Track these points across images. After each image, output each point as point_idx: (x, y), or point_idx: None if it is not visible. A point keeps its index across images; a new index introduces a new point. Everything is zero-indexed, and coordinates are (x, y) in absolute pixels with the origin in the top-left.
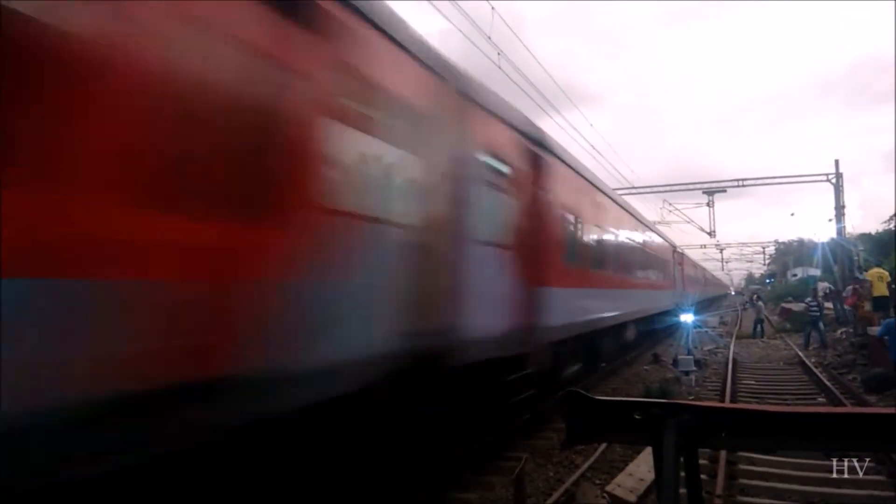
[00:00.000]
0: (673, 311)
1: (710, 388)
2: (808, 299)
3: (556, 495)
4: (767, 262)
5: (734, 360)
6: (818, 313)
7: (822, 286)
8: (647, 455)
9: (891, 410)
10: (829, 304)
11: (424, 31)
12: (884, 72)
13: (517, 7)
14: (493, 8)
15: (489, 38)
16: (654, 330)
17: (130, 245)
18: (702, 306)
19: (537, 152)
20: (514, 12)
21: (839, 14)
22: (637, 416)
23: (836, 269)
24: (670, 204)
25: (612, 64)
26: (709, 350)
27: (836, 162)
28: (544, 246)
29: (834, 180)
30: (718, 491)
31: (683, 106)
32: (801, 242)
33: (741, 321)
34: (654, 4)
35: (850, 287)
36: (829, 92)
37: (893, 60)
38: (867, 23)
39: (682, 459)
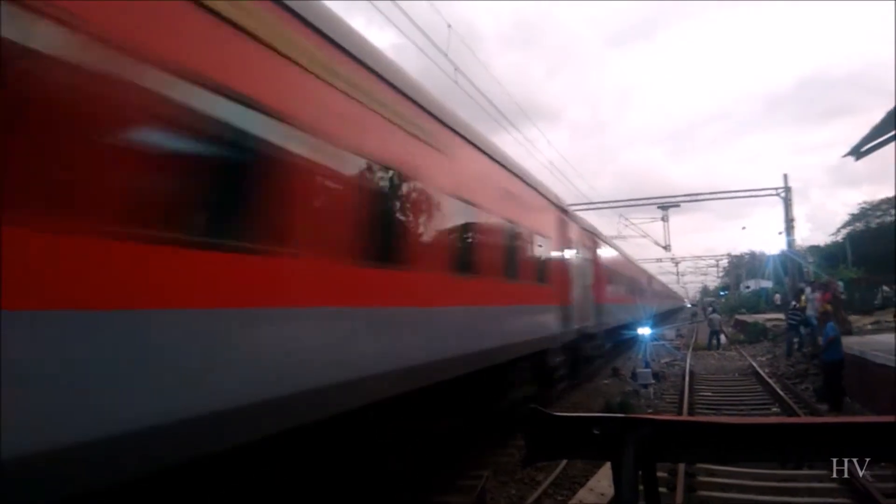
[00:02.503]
0: (567, 347)
1: (668, 400)
2: (794, 303)
3: None
4: (721, 274)
5: (691, 373)
6: (795, 321)
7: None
8: (607, 470)
9: (842, 419)
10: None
11: (380, 44)
12: (830, 89)
13: (473, 23)
14: (449, 26)
15: (446, 54)
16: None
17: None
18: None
19: None
20: (471, 29)
21: (785, 33)
22: (596, 432)
23: (786, 280)
24: (626, 219)
25: (565, 81)
26: (666, 363)
27: (785, 176)
28: None
29: (783, 194)
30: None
31: (636, 122)
32: (752, 255)
33: (697, 333)
34: (603, 24)
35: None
36: (778, 108)
37: (839, 78)
38: (812, 41)
39: (640, 473)
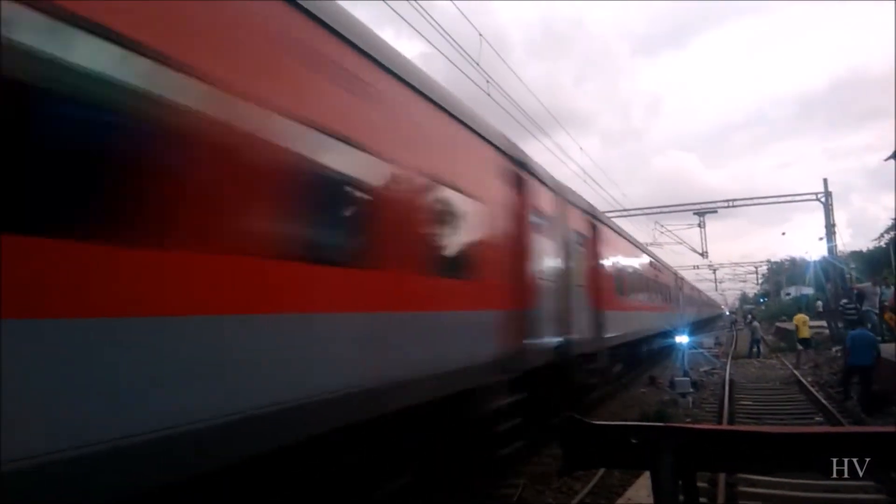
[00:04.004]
0: None
1: (707, 409)
2: (844, 301)
3: None
4: (760, 281)
5: (731, 381)
6: (855, 316)
7: (867, 286)
8: (646, 479)
9: (889, 429)
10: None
11: (413, 56)
12: (866, 90)
13: (502, 30)
14: (481, 35)
15: (478, 65)
16: None
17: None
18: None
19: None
20: (500, 37)
21: (816, 34)
22: (634, 441)
23: (828, 286)
24: (661, 225)
25: (595, 88)
26: (705, 371)
27: (825, 181)
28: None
29: (823, 199)
30: None
31: (668, 128)
32: (792, 261)
33: (736, 341)
34: (633, 31)
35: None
36: (812, 111)
37: (875, 79)
38: (844, 41)
39: (680, 483)
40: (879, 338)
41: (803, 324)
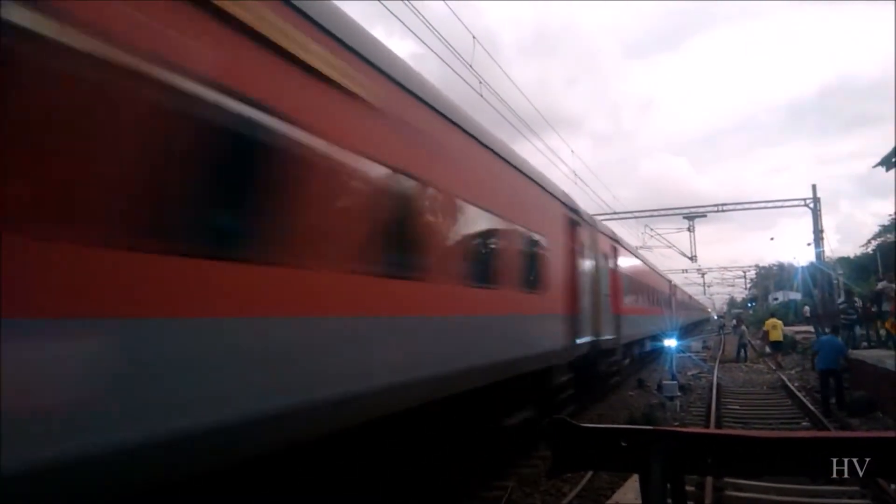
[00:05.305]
0: None
1: (695, 413)
2: (842, 302)
3: None
4: (749, 286)
5: (718, 385)
6: (853, 316)
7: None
8: (633, 482)
9: (874, 434)
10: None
11: (406, 57)
12: (854, 97)
13: (493, 30)
14: (474, 38)
15: (471, 66)
16: None
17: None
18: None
19: None
20: (491, 37)
21: (806, 40)
22: (623, 444)
23: (816, 292)
24: (651, 229)
25: (586, 90)
26: (693, 375)
27: (814, 187)
28: None
29: (812, 205)
30: None
31: (659, 132)
32: (781, 267)
33: (724, 345)
34: (625, 35)
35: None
36: (801, 117)
37: (863, 86)
38: (834, 49)
39: (668, 486)
40: (866, 343)
41: (773, 328)
